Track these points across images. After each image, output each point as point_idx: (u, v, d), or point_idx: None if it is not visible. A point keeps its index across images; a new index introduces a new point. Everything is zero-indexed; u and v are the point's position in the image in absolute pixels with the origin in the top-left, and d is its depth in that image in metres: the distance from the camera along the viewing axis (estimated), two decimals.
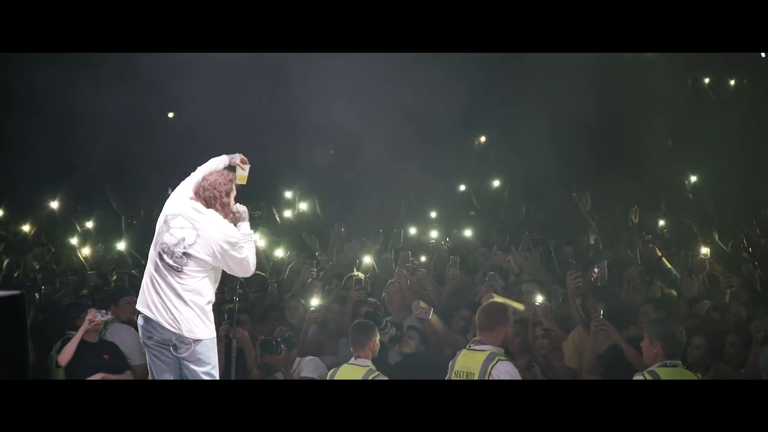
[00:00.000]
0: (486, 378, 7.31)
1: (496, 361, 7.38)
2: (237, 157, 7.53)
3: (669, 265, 10.89)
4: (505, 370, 7.37)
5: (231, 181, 7.14)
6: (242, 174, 7.53)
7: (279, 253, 12.19)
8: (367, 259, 11.41)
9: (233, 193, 7.14)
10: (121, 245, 13.12)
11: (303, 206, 14.97)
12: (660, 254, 11.12)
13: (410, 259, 11.10)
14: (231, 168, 7.46)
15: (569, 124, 15.07)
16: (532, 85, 15.71)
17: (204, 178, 7.11)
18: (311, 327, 9.51)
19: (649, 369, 6.86)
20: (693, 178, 15.45)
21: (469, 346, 7.57)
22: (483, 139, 18.23)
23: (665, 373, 6.77)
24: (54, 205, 14.84)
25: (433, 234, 12.73)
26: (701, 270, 10.48)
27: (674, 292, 9.83)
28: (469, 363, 7.44)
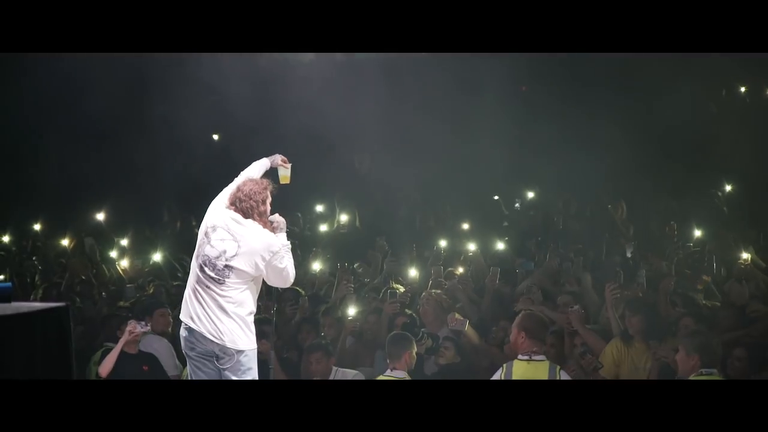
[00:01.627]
0: None
1: (559, 370, 7.37)
2: (278, 158, 7.58)
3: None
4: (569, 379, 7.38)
5: (266, 189, 7.10)
6: (285, 173, 7.55)
7: (316, 266, 12.20)
8: (411, 272, 11.42)
9: (269, 200, 7.12)
10: (157, 257, 13.20)
11: (341, 218, 14.95)
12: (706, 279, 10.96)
13: (442, 272, 11.07)
14: (273, 169, 7.50)
15: (606, 134, 15.03)
16: (569, 93, 15.68)
17: (239, 189, 7.09)
18: (348, 338, 9.54)
19: (686, 379, 6.86)
20: (728, 188, 15.34)
21: (529, 357, 7.41)
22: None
23: None
24: (97, 217, 14.96)
25: (471, 246, 12.69)
26: (749, 277, 10.41)
27: (717, 303, 9.77)
28: (533, 374, 7.32)
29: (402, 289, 10.46)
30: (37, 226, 15.12)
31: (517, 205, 15.31)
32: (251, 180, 7.19)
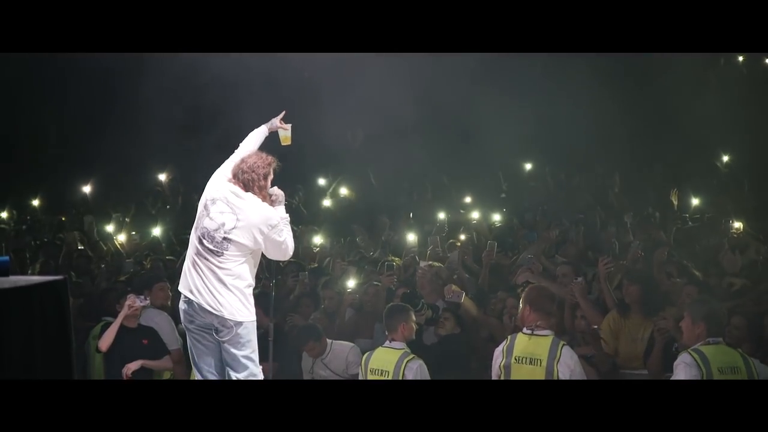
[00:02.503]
0: (555, 363, 7.20)
1: (562, 346, 7.30)
2: (276, 121, 7.56)
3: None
4: (570, 356, 7.30)
5: (269, 165, 7.09)
6: (285, 134, 7.53)
7: (317, 240, 12.20)
8: (409, 242, 11.41)
9: (271, 177, 7.12)
10: (156, 231, 13.19)
11: (341, 192, 14.95)
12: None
13: (440, 242, 11.07)
14: (273, 133, 7.49)
15: (602, 105, 15.01)
16: (568, 65, 15.64)
17: (243, 161, 7.08)
18: (347, 310, 9.56)
19: (694, 347, 6.84)
20: (725, 158, 15.34)
21: (531, 331, 7.35)
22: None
23: (709, 351, 6.77)
24: (87, 191, 14.94)
25: (474, 215, 12.64)
26: (743, 246, 10.40)
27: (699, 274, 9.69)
28: (534, 348, 7.28)
29: (398, 261, 10.47)
30: (35, 202, 15.11)
31: (503, 195, 15.23)
32: (256, 154, 7.18)
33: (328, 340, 8.92)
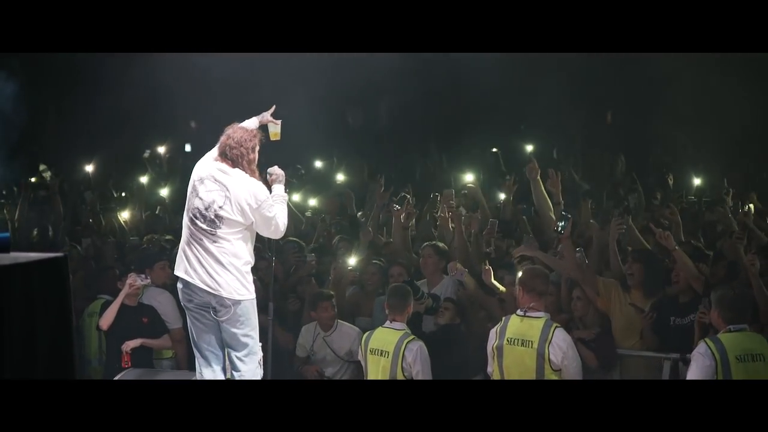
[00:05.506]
0: (546, 345, 7.23)
1: (555, 328, 7.32)
2: (267, 114, 7.52)
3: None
4: (563, 338, 7.32)
5: (255, 137, 7.12)
6: (275, 130, 7.52)
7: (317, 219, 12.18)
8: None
9: (257, 149, 7.12)
10: (157, 210, 13.19)
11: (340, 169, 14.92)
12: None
13: (452, 195, 10.88)
14: (263, 127, 7.48)
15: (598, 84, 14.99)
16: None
17: (228, 137, 7.07)
18: (349, 288, 9.56)
19: (712, 336, 6.83)
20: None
21: (524, 313, 7.41)
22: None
23: (728, 339, 6.72)
24: (90, 169, 14.93)
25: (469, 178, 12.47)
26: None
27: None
28: (526, 330, 7.32)
29: (408, 196, 10.53)
30: (33, 179, 15.07)
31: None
32: (241, 128, 7.17)
33: (338, 320, 8.93)
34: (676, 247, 8.27)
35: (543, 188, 10.11)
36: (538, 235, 9.86)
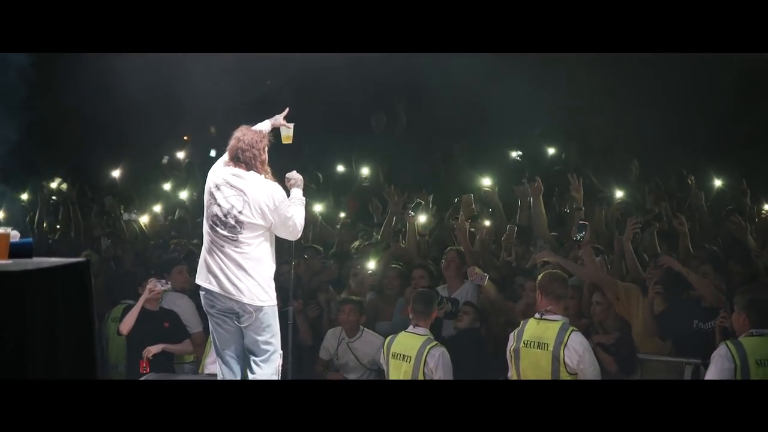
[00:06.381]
0: (562, 348, 7.25)
1: (571, 332, 7.34)
2: (279, 118, 7.55)
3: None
4: (579, 342, 7.33)
5: (264, 137, 7.15)
6: (287, 133, 7.56)
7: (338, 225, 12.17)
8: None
9: (267, 148, 7.13)
10: (176, 214, 13.21)
11: (362, 173, 14.89)
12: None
13: (473, 200, 10.88)
14: (275, 131, 7.49)
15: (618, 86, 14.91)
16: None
17: (239, 140, 7.08)
18: (369, 293, 9.56)
19: (734, 339, 6.74)
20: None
21: (541, 316, 7.45)
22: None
23: (750, 342, 6.61)
24: (115, 174, 14.99)
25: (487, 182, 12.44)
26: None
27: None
28: (542, 333, 7.36)
29: (422, 201, 10.59)
30: (53, 185, 15.11)
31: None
32: (250, 131, 7.19)
33: (362, 327, 8.98)
34: (688, 272, 8.22)
35: (543, 207, 10.21)
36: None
